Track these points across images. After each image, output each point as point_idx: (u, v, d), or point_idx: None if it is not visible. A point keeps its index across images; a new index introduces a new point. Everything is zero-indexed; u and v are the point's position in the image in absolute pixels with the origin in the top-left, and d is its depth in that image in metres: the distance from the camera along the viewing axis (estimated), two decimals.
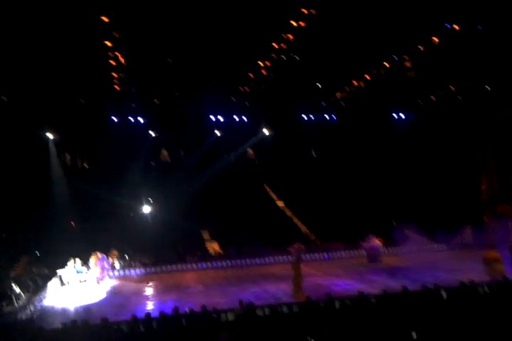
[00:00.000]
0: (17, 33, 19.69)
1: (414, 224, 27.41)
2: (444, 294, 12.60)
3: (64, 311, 16.91)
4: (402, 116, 37.23)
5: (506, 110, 28.00)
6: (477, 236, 27.08)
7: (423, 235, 28.49)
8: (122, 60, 23.89)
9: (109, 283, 22.56)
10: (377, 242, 25.09)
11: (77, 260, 22.29)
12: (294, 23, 20.88)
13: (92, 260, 22.09)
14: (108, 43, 21.74)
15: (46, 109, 28.52)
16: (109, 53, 22.97)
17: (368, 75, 28.19)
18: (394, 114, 37.16)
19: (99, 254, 22.40)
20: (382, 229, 27.52)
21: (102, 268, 22.20)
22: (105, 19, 19.26)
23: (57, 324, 13.18)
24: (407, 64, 26.19)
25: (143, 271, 24.99)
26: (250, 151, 39.11)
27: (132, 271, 24.90)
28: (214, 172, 34.34)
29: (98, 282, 21.66)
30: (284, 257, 24.30)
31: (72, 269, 21.87)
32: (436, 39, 22.99)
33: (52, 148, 30.81)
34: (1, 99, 26.95)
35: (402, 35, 22.53)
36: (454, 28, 22.08)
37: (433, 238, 28.05)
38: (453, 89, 30.92)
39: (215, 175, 34.18)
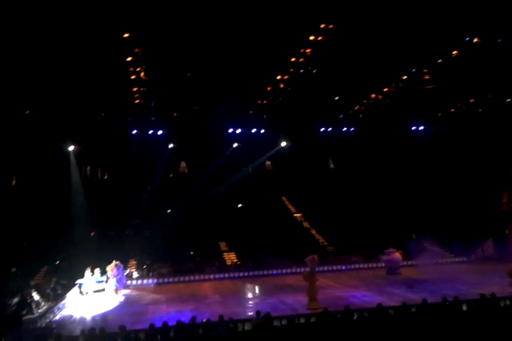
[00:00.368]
0: (41, 49, 20.22)
1: (435, 236, 27.14)
2: (464, 306, 12.43)
3: (82, 319, 17.12)
4: (422, 128, 37.01)
5: None
6: (498, 249, 26.76)
7: (443, 248, 28.20)
8: (142, 75, 24.29)
9: (127, 292, 22.70)
10: (397, 255, 24.75)
11: (97, 270, 22.52)
12: (313, 38, 21.02)
13: (110, 269, 22.30)
14: (129, 58, 22.13)
15: (68, 122, 29.13)
16: (130, 68, 23.38)
17: (388, 88, 28.11)
18: (414, 127, 36.98)
19: (116, 264, 22.59)
20: (402, 242, 27.24)
21: (120, 278, 22.38)
22: (126, 35, 19.66)
23: (76, 332, 13.40)
24: (427, 77, 26.06)
25: (161, 280, 25.10)
26: (268, 163, 39.27)
27: (150, 281, 25.04)
28: (232, 184, 34.42)
29: (116, 291, 21.83)
30: (302, 268, 24.21)
31: (91, 279, 22.09)
32: (455, 52, 22.85)
33: (72, 159, 31.40)
34: (26, 112, 27.63)
35: (421, 48, 22.47)
36: (474, 41, 21.94)
37: (453, 250, 27.73)
38: (472, 101, 30.60)
39: (233, 186, 34.27)
